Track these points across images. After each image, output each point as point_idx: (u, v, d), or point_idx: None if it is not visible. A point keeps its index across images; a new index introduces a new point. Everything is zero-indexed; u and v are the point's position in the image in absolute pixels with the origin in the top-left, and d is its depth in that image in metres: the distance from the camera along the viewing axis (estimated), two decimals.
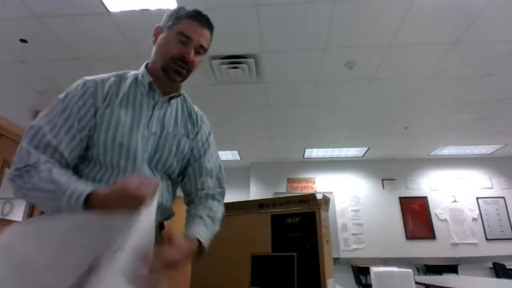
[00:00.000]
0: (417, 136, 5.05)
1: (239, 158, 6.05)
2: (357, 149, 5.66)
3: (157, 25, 1.04)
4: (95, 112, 0.92)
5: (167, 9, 2.64)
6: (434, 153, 5.82)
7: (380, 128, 4.75)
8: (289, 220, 1.26)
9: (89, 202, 0.73)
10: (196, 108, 1.17)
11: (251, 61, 3.01)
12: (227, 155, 5.89)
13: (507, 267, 4.95)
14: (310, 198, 1.29)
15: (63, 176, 0.80)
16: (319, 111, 4.16)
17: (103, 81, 0.97)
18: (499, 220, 5.64)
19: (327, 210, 1.33)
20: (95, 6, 2.36)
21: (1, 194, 3.29)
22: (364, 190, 6.00)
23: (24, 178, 0.83)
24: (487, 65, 3.15)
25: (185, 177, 1.09)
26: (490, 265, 5.25)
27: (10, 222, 3.40)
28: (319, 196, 1.28)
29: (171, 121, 1.04)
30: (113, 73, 1.02)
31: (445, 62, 3.08)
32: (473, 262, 5.32)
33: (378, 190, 5.98)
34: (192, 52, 0.97)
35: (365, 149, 5.64)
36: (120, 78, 1.01)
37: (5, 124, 3.12)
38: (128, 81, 1.01)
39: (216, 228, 0.98)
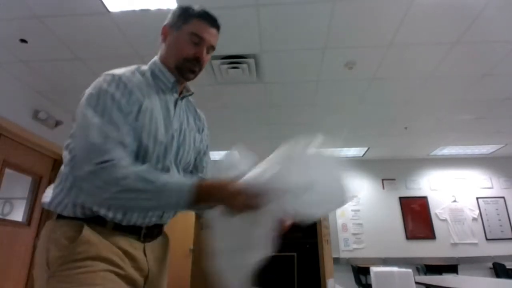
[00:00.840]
0: (417, 136, 5.05)
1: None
2: (357, 149, 5.66)
3: (164, 24, 1.06)
4: (139, 108, 0.90)
5: (167, 9, 2.65)
6: (434, 153, 5.82)
7: (380, 128, 4.75)
8: None
9: (196, 194, 0.77)
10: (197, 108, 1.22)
11: (251, 61, 3.01)
12: None
13: (507, 267, 4.95)
14: None
15: (152, 173, 0.81)
16: (319, 111, 4.16)
17: (131, 76, 0.95)
18: (499, 220, 5.64)
19: None
20: (95, 6, 2.36)
21: (1, 194, 3.29)
22: (364, 190, 6.00)
23: (102, 177, 0.76)
24: (487, 65, 3.15)
25: (193, 169, 1.16)
26: (490, 265, 5.25)
27: (10, 222, 3.40)
28: None
29: (184, 117, 1.08)
30: (133, 67, 1.00)
31: (445, 62, 3.08)
32: (473, 262, 5.32)
33: (378, 190, 5.98)
34: (204, 52, 1.02)
35: (365, 149, 5.64)
36: (142, 74, 1.00)
37: (5, 124, 3.12)
38: (149, 77, 1.00)
39: None
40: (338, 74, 3.29)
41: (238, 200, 0.77)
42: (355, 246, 5.57)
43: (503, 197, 5.78)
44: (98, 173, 0.76)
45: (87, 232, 0.81)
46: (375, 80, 3.42)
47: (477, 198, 5.80)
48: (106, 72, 0.93)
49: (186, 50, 1.00)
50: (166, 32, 1.05)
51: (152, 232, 0.96)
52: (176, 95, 1.05)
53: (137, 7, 2.39)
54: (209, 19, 1.02)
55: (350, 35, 2.72)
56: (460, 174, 6.00)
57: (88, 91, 0.92)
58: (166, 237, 1.07)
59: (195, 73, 1.03)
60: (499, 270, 5.02)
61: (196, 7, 1.02)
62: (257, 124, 4.59)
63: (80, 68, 3.09)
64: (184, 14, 1.02)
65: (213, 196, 0.81)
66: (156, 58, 1.06)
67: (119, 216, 0.86)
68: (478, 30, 2.64)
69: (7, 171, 3.22)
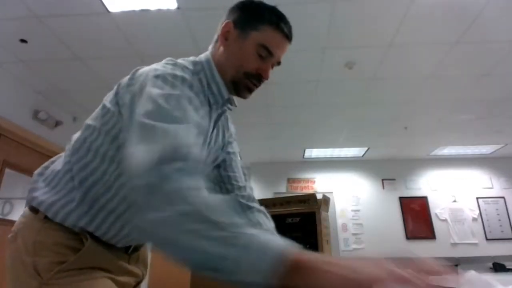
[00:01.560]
0: (417, 136, 5.05)
1: (239, 158, 6.04)
2: (357, 149, 5.66)
3: (227, 20, 0.86)
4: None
5: (167, 9, 2.65)
6: (434, 153, 5.82)
7: (380, 128, 4.75)
8: (289, 220, 1.26)
9: (282, 266, 0.41)
10: None
11: None
12: None
13: (507, 267, 4.95)
14: (310, 198, 1.29)
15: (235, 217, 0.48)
16: (319, 111, 4.16)
17: (191, 77, 0.77)
18: (499, 220, 5.64)
19: (327, 210, 1.33)
20: (95, 6, 2.36)
21: (1, 194, 3.29)
22: (364, 190, 6.00)
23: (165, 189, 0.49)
24: (487, 65, 3.15)
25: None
26: (490, 265, 5.24)
27: (10, 222, 3.40)
28: (319, 196, 1.28)
29: (218, 135, 0.94)
30: (188, 65, 0.81)
31: (445, 62, 3.08)
32: (473, 262, 5.31)
33: (378, 190, 5.98)
34: (270, 70, 0.85)
35: (365, 149, 5.64)
36: (198, 80, 0.82)
37: (5, 124, 3.12)
38: (205, 85, 0.84)
39: None
40: (338, 74, 3.29)
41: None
42: (355, 246, 5.57)
43: (503, 197, 5.78)
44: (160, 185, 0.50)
45: (89, 242, 0.76)
46: (375, 80, 3.42)
47: (477, 198, 5.80)
48: (169, 72, 0.72)
49: (250, 64, 0.82)
50: (229, 32, 0.84)
51: (139, 246, 0.93)
52: (220, 110, 0.90)
53: (137, 7, 2.39)
54: (285, 30, 0.84)
55: (350, 35, 2.72)
56: (460, 174, 5.99)
57: (150, 78, 0.70)
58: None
59: (251, 91, 0.87)
60: (499, 270, 5.02)
61: (270, 6, 0.85)
62: (257, 124, 4.59)
63: (80, 68, 3.09)
64: (255, 15, 0.83)
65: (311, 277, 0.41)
66: (210, 57, 0.87)
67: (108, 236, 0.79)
68: (478, 30, 2.64)
69: (7, 171, 3.22)
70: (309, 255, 0.43)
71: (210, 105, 0.85)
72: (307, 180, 6.14)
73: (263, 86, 0.92)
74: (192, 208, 0.47)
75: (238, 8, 0.86)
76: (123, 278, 0.85)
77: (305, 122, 4.49)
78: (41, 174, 0.85)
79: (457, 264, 5.14)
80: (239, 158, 1.03)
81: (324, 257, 0.46)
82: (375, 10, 2.45)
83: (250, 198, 0.99)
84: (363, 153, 5.82)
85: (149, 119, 0.59)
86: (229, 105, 0.93)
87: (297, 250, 0.43)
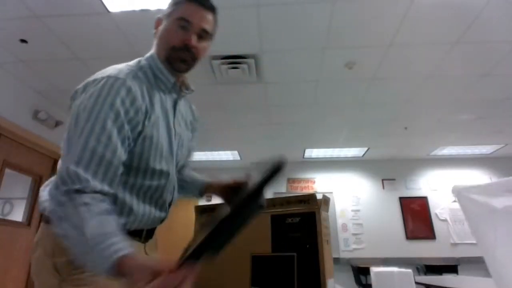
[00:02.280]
0: (417, 136, 5.05)
1: (239, 158, 6.04)
2: (357, 149, 5.66)
3: (157, 16, 0.98)
4: (143, 115, 0.85)
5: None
6: (434, 153, 5.82)
7: (380, 128, 4.75)
8: (289, 220, 1.26)
9: (119, 264, 0.61)
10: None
11: (251, 61, 3.01)
12: (227, 155, 5.89)
13: None
14: (310, 198, 1.29)
15: (104, 223, 0.68)
16: (319, 111, 4.16)
17: (134, 78, 0.87)
18: None
19: (327, 210, 1.33)
20: (95, 6, 2.36)
21: (1, 194, 3.29)
22: (364, 190, 6.00)
23: (67, 208, 0.70)
24: (487, 65, 3.15)
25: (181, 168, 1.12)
26: None
27: (10, 222, 3.41)
28: (319, 196, 1.28)
29: (185, 117, 1.05)
30: (133, 64, 0.92)
31: (445, 62, 3.08)
32: (473, 262, 5.31)
33: (378, 190, 5.98)
34: (194, 38, 0.90)
35: (365, 149, 5.64)
36: (143, 72, 0.92)
37: (5, 124, 3.12)
38: (150, 76, 0.93)
39: None
40: (338, 74, 3.29)
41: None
42: (355, 246, 5.57)
43: None
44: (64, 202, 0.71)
45: None
46: (375, 80, 3.42)
47: None
48: (109, 74, 0.83)
49: (173, 38, 0.90)
50: (158, 25, 0.96)
51: (151, 233, 0.98)
52: (175, 95, 0.98)
53: (137, 7, 2.39)
54: (199, 0, 0.91)
55: (350, 35, 2.72)
56: (460, 174, 6.00)
57: (86, 96, 0.80)
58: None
59: (187, 63, 0.92)
60: None
61: None
62: (257, 124, 4.59)
63: (80, 68, 3.09)
64: (174, 1, 0.94)
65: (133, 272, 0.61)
66: (153, 52, 0.97)
67: (122, 220, 0.85)
68: (478, 30, 2.64)
69: (7, 171, 3.22)
70: (129, 259, 0.62)
71: (163, 92, 0.94)
72: (307, 180, 6.14)
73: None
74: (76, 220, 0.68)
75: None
76: None
77: (305, 122, 4.49)
78: (46, 185, 0.93)
79: (457, 264, 5.14)
80: (196, 143, 1.17)
81: (139, 259, 0.65)
82: (375, 10, 2.45)
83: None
84: (363, 153, 5.82)
85: None
86: (185, 90, 1.01)
87: (126, 255, 0.62)
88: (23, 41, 2.74)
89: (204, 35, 0.93)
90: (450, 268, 5.03)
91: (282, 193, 5.95)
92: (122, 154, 0.79)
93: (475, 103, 3.93)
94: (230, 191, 0.99)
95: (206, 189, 1.11)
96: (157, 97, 0.91)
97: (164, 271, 0.57)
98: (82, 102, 0.80)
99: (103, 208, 0.71)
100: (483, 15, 2.47)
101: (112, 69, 0.86)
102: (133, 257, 0.63)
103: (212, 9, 0.94)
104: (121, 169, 0.80)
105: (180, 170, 1.09)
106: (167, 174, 0.93)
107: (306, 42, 2.81)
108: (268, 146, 5.45)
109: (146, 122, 0.85)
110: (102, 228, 0.66)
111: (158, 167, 0.89)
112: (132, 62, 0.94)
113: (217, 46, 2.96)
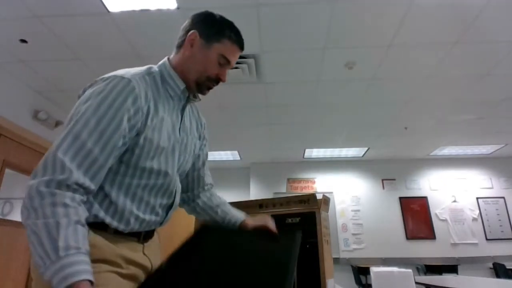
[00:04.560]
0: (417, 136, 5.05)
1: (239, 158, 6.04)
2: (357, 149, 5.66)
3: (192, 30, 0.98)
4: (145, 115, 0.87)
5: (167, 9, 2.65)
6: (434, 153, 5.82)
7: (380, 128, 4.75)
8: (289, 220, 1.26)
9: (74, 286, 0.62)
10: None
11: (251, 61, 3.01)
12: (227, 155, 5.89)
13: (507, 267, 4.95)
14: (310, 198, 1.29)
15: (74, 234, 0.68)
16: (319, 111, 4.16)
17: (140, 80, 0.89)
18: (499, 220, 5.64)
19: (327, 210, 1.33)
20: (95, 6, 2.36)
21: (1, 194, 3.29)
22: (364, 190, 6.00)
23: (44, 200, 0.69)
24: (487, 65, 3.15)
25: (189, 175, 1.14)
26: (490, 265, 5.25)
27: (10, 222, 3.40)
28: (319, 196, 1.28)
29: (191, 123, 1.08)
30: (143, 69, 0.95)
31: (445, 62, 3.08)
32: (473, 262, 5.32)
33: (378, 190, 5.98)
34: (226, 73, 1.03)
35: (365, 149, 5.64)
36: (152, 77, 0.95)
37: (5, 124, 3.12)
38: (159, 82, 0.96)
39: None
40: (338, 74, 3.29)
41: None
42: (355, 246, 5.57)
43: (503, 197, 5.78)
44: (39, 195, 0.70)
45: (91, 237, 0.79)
46: (375, 80, 3.42)
47: (477, 198, 5.80)
48: (115, 73, 0.86)
49: (212, 70, 0.99)
50: (194, 40, 0.98)
51: (150, 234, 0.98)
52: (183, 102, 1.03)
53: (137, 7, 2.39)
54: (240, 43, 1.02)
55: (350, 35, 2.72)
56: (460, 174, 6.00)
57: (90, 91, 0.84)
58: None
59: (210, 89, 1.04)
60: (499, 270, 5.02)
61: (229, 23, 1.02)
62: (257, 124, 4.59)
63: (80, 68, 3.10)
64: (217, 28, 0.99)
65: None
66: (166, 60, 1.01)
67: (122, 226, 0.86)
68: (478, 30, 2.64)
69: (7, 171, 3.22)
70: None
71: (172, 98, 0.98)
72: (307, 180, 6.14)
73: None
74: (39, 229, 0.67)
75: (201, 20, 1.00)
76: (130, 270, 0.87)
77: (305, 122, 4.49)
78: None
79: (457, 264, 5.14)
80: (207, 151, 1.19)
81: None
82: (375, 10, 2.45)
83: (211, 189, 1.22)
84: (363, 153, 5.82)
85: None
86: (193, 98, 1.06)
87: (84, 282, 0.63)
88: (23, 41, 2.74)
89: (230, 69, 1.04)
90: (450, 268, 5.03)
91: (282, 193, 5.95)
92: (112, 153, 0.80)
93: (475, 103, 3.93)
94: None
95: (239, 228, 1.15)
96: (162, 102, 0.94)
97: None
98: (85, 96, 0.83)
99: (80, 215, 0.72)
100: (483, 15, 2.47)
101: (121, 70, 0.90)
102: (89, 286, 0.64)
103: (243, 49, 1.05)
104: (106, 169, 0.80)
105: (199, 191, 1.17)
106: (165, 174, 0.93)
107: (306, 42, 2.80)
108: (268, 146, 5.45)
109: (149, 122, 0.87)
110: (75, 241, 0.67)
111: (156, 166, 0.90)
112: (143, 67, 0.97)
113: None
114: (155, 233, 1.03)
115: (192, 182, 1.16)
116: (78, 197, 0.74)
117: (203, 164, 1.17)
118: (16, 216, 3.55)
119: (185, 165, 1.05)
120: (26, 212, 0.69)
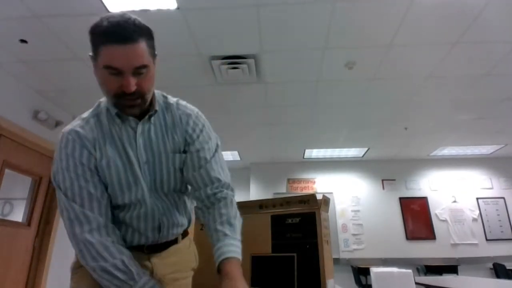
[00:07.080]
0: (417, 136, 5.05)
1: (239, 158, 6.05)
2: (357, 149, 5.66)
3: (89, 54, 0.89)
4: (98, 159, 0.92)
5: (167, 9, 2.65)
6: (434, 153, 5.82)
7: (380, 128, 4.75)
8: (289, 221, 1.26)
9: None
10: (181, 108, 1.03)
11: (251, 61, 3.01)
12: (227, 155, 5.89)
13: (507, 268, 4.95)
14: (310, 199, 1.29)
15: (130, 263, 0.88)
16: (319, 111, 4.16)
17: (84, 127, 0.94)
18: (499, 220, 5.64)
19: (327, 210, 1.33)
20: (95, 6, 2.36)
21: (1, 194, 3.29)
22: (364, 190, 6.00)
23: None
24: (487, 65, 3.15)
25: (191, 185, 1.03)
26: (490, 265, 5.24)
27: (10, 222, 3.40)
28: (319, 197, 1.28)
29: (159, 141, 0.96)
30: (90, 111, 0.99)
31: (445, 62, 3.08)
32: (473, 263, 5.32)
33: (378, 191, 5.98)
34: (132, 80, 0.81)
35: (365, 149, 5.64)
36: (98, 116, 0.96)
37: (5, 124, 3.12)
38: (104, 117, 0.95)
39: (236, 227, 0.95)
40: (338, 74, 3.29)
41: None
42: (355, 246, 5.57)
43: (503, 198, 5.78)
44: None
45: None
46: (375, 80, 3.42)
47: (477, 199, 5.80)
48: (63, 129, 0.96)
49: (110, 87, 0.84)
50: (93, 65, 0.87)
51: (156, 247, 1.01)
52: (135, 123, 0.93)
53: (137, 7, 2.39)
54: (114, 38, 0.79)
55: (350, 35, 2.72)
56: (460, 174, 6.00)
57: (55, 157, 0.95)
58: (187, 241, 1.14)
59: (134, 106, 0.87)
60: (499, 270, 5.02)
61: (102, 27, 0.81)
62: (257, 124, 4.59)
63: (80, 68, 3.09)
64: (94, 42, 0.84)
65: None
66: None
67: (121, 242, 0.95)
68: (478, 30, 2.64)
69: (7, 171, 3.22)
70: None
71: (118, 126, 0.94)
72: (307, 180, 6.14)
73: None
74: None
75: (89, 41, 0.86)
76: None
77: (305, 122, 4.49)
78: None
79: (457, 264, 5.14)
80: (203, 155, 1.00)
81: None
82: (375, 10, 2.45)
83: (211, 196, 1.00)
84: (363, 153, 5.82)
85: None
86: (147, 116, 0.94)
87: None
88: (23, 41, 2.74)
89: (141, 70, 0.82)
90: (450, 268, 5.03)
91: (282, 193, 5.96)
92: (96, 195, 0.91)
93: (475, 103, 3.93)
94: None
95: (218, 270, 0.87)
96: (110, 138, 0.94)
97: None
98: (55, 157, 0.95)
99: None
100: (483, 15, 2.47)
101: (69, 125, 0.97)
102: None
103: (134, 40, 0.80)
104: (103, 203, 0.92)
105: (204, 203, 1.00)
106: (136, 204, 0.96)
107: (306, 42, 2.80)
108: (268, 146, 5.45)
109: (102, 165, 0.92)
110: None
111: (120, 202, 0.95)
112: (92, 107, 0.99)
113: (217, 46, 2.97)
114: (180, 242, 1.08)
115: (194, 184, 1.03)
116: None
117: (199, 167, 0.99)
118: (16, 216, 3.55)
119: (168, 184, 0.99)
120: None
